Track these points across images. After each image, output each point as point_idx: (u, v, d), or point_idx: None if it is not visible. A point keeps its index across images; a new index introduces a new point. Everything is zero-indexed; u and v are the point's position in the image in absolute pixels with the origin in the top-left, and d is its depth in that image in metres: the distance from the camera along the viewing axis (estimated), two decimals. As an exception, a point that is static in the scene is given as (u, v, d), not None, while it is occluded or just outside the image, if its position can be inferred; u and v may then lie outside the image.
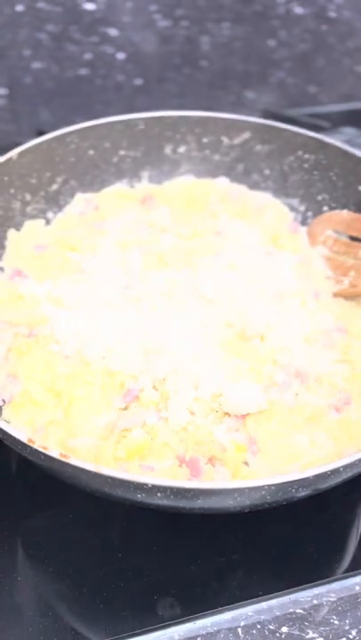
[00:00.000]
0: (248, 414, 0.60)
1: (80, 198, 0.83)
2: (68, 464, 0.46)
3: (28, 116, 1.23)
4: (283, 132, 0.84)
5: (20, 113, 1.23)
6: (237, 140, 0.87)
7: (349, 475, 0.53)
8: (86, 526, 0.63)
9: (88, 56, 1.18)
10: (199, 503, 0.49)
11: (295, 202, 0.87)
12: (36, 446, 0.46)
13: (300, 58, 1.30)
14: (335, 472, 0.49)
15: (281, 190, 0.87)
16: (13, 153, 0.77)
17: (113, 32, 1.16)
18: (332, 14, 1.21)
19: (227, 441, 0.58)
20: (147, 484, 0.44)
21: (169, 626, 0.57)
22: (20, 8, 1.07)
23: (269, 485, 0.46)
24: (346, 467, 0.49)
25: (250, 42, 1.25)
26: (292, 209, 0.87)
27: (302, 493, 0.51)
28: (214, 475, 0.56)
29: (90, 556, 0.62)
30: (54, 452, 0.46)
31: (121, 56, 1.20)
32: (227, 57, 1.27)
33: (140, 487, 0.45)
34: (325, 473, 0.48)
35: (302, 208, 0.86)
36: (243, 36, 1.24)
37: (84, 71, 1.21)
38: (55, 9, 1.09)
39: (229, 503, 0.49)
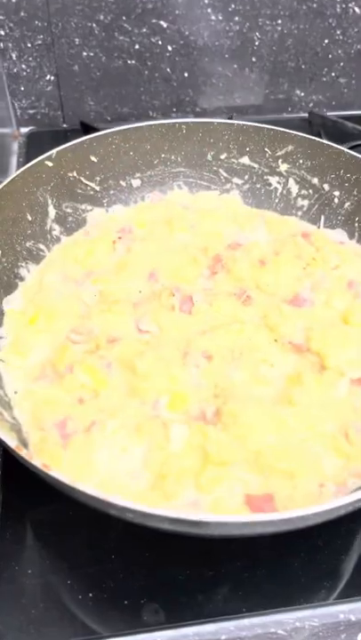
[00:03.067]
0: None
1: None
2: (48, 474, 0.48)
3: (74, 103, 1.24)
4: (327, 149, 0.83)
5: (66, 100, 1.23)
6: (280, 152, 0.86)
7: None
8: (85, 524, 0.66)
9: (137, 47, 1.17)
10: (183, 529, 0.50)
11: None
12: (21, 454, 0.48)
13: (354, 58, 1.26)
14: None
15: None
16: (53, 152, 0.78)
17: (164, 24, 1.15)
18: (392, 16, 1.17)
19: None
20: (117, 505, 0.45)
21: (152, 630, 0.59)
22: (73, -3, 1.07)
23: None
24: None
25: (303, 39, 1.22)
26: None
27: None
28: None
29: (85, 553, 0.64)
30: (37, 462, 0.48)
31: (170, 48, 1.19)
32: (279, 54, 1.24)
33: (111, 506, 0.47)
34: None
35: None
36: (296, 33, 1.20)
37: (132, 62, 1.20)
38: (108, -1, 1.09)
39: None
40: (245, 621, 0.61)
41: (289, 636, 0.60)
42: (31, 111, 1.24)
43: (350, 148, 0.83)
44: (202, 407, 0.61)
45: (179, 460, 0.57)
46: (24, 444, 0.60)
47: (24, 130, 1.24)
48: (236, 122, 0.84)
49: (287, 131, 0.82)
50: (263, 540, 0.65)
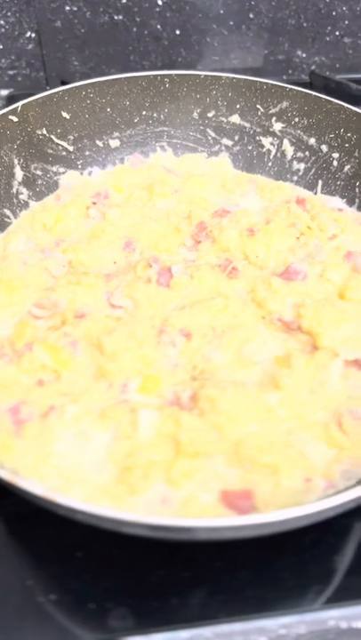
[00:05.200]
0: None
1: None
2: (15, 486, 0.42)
3: (58, 64, 1.15)
4: (325, 105, 0.74)
5: (49, 60, 1.15)
6: (274, 110, 0.78)
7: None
8: (50, 518, 0.59)
9: (124, 1, 1.08)
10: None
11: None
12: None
13: (359, 16, 1.17)
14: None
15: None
16: (17, 105, 0.70)
17: (153, -25, 1.06)
18: None
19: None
20: (63, 506, 0.39)
21: (119, 637, 0.54)
22: None
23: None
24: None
25: (305, -6, 1.13)
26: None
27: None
28: None
29: (49, 550, 0.58)
30: (3, 473, 0.42)
31: (160, 2, 1.10)
32: (278, 10, 1.15)
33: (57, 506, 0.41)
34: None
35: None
36: (298, -13, 1.11)
37: (119, 17, 1.12)
38: None
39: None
40: (224, 627, 0.55)
41: (272, 644, 0.54)
42: (11, 72, 1.15)
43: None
44: (177, 391, 0.55)
45: (147, 450, 0.50)
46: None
47: (3, 92, 1.16)
48: (224, 74, 0.75)
49: (281, 85, 0.74)
50: (247, 541, 0.59)
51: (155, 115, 0.78)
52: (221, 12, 1.13)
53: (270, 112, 0.76)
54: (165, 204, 0.73)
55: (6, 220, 0.71)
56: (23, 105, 0.69)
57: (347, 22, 1.19)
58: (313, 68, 1.22)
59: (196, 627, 0.55)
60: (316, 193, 0.77)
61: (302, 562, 0.59)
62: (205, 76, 0.76)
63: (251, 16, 1.14)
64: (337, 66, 1.23)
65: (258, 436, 0.51)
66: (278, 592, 0.57)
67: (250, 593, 0.56)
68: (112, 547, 0.58)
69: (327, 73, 1.20)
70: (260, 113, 0.77)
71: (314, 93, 0.73)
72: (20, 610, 0.55)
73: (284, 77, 1.23)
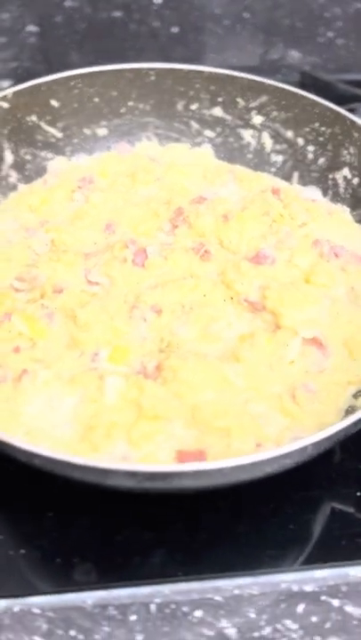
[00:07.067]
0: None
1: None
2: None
3: (59, 59, 1.19)
4: (301, 100, 0.78)
5: (50, 55, 1.19)
6: (253, 103, 0.81)
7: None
8: (24, 478, 0.63)
9: (123, -3, 1.13)
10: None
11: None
12: None
13: (353, 18, 1.20)
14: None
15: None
16: (8, 92, 0.74)
17: (151, -27, 1.10)
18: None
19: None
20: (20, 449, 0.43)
21: (83, 590, 0.57)
22: None
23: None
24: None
25: (298, -5, 1.16)
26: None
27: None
28: None
29: (21, 508, 0.62)
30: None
31: (159, 1, 1.14)
32: (272, 10, 1.18)
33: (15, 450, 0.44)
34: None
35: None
36: (291, -13, 1.15)
37: (118, 14, 1.16)
38: None
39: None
40: (182, 585, 0.59)
41: (226, 603, 0.58)
42: (13, 64, 1.19)
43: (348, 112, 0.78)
44: (144, 362, 0.58)
45: (111, 412, 0.54)
46: None
47: (5, 83, 1.20)
48: (206, 69, 0.79)
49: (260, 80, 0.77)
50: (208, 505, 0.62)
51: (141, 105, 0.81)
52: (217, 11, 1.17)
53: (250, 105, 0.80)
54: (147, 190, 0.76)
55: (-6, 201, 0.75)
56: (14, 92, 0.73)
57: (340, 24, 1.22)
58: (306, 67, 1.25)
59: (156, 584, 0.58)
60: (292, 184, 0.80)
61: (260, 530, 0.62)
62: (189, 70, 0.79)
63: (246, 16, 1.18)
64: (330, 66, 1.26)
65: (215, 403, 0.54)
66: (235, 556, 0.60)
67: (208, 555, 0.60)
68: (80, 508, 0.62)
69: (320, 73, 1.23)
70: (240, 106, 0.80)
71: (290, 88, 0.76)
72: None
73: (279, 76, 1.27)
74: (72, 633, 0.55)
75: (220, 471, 0.43)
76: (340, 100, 1.01)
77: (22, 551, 0.59)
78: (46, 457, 0.44)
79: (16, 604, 0.56)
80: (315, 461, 0.59)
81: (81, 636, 0.55)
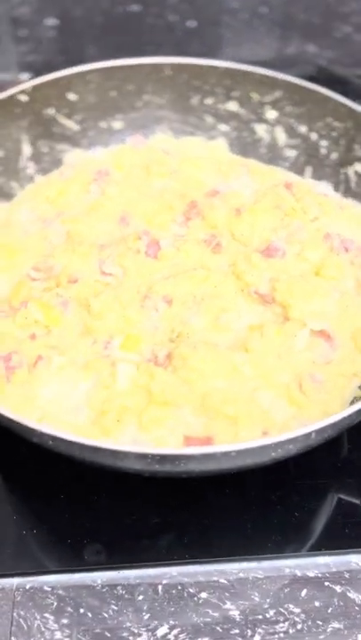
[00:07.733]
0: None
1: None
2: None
3: (76, 50, 1.21)
4: (315, 95, 0.78)
5: (68, 48, 1.20)
6: (268, 98, 0.82)
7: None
8: (38, 461, 0.65)
9: (140, -8, 1.14)
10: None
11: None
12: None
13: (370, 12, 1.20)
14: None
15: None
16: (27, 85, 0.76)
17: (169, -32, 1.11)
18: None
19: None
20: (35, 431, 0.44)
21: (93, 570, 0.59)
22: None
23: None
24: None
25: (315, -11, 1.16)
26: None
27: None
28: None
29: (34, 490, 0.64)
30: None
31: (176, -5, 1.15)
32: (289, 4, 1.18)
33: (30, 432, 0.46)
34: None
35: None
36: (309, -18, 1.15)
37: (135, 8, 1.17)
38: None
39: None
40: (189, 568, 0.60)
41: (231, 586, 0.59)
42: (31, 57, 1.21)
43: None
44: (155, 350, 0.60)
45: (122, 397, 0.55)
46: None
47: (24, 76, 1.21)
48: (221, 64, 0.80)
49: (274, 75, 0.78)
50: (216, 492, 0.64)
51: (156, 99, 0.83)
52: (234, 5, 1.17)
53: (264, 100, 0.80)
54: (162, 183, 0.78)
55: (12, 191, 0.77)
56: (33, 86, 0.75)
57: (357, 18, 1.22)
58: (322, 62, 1.25)
59: (163, 566, 0.60)
60: (304, 178, 0.81)
61: (266, 517, 0.64)
62: (204, 65, 0.80)
63: (263, 10, 1.18)
64: (346, 61, 1.26)
65: (224, 391, 0.56)
66: (241, 541, 0.62)
67: (214, 540, 0.62)
68: (92, 492, 0.64)
69: (336, 68, 1.23)
70: (254, 101, 0.81)
71: (304, 83, 0.77)
72: (2, 539, 0.60)
73: (295, 71, 1.27)
74: (81, 611, 0.57)
75: (226, 455, 0.45)
76: (357, 94, 1.02)
77: (35, 531, 0.61)
78: (60, 438, 0.46)
79: (28, 582, 0.58)
80: (322, 451, 0.60)
81: (90, 614, 0.57)
